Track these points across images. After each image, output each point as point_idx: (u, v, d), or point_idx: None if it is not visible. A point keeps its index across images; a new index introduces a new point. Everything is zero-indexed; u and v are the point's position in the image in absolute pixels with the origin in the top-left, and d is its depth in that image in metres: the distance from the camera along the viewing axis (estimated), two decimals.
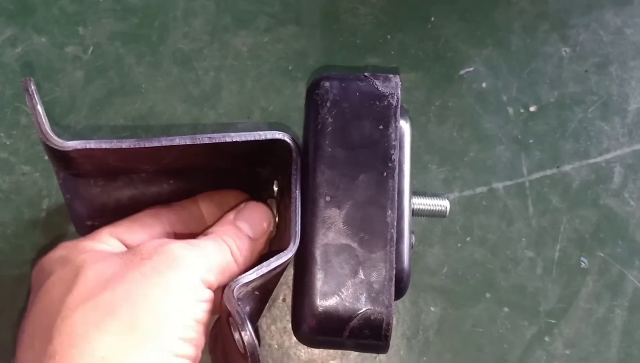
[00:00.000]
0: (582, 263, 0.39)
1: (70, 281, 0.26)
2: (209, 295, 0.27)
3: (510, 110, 0.41)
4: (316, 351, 0.39)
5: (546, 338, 0.38)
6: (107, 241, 0.29)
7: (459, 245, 0.39)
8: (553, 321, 0.39)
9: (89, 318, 0.24)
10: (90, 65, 0.41)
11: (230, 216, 0.31)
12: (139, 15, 0.42)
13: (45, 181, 0.39)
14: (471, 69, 0.42)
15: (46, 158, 0.39)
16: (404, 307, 0.39)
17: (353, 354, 0.39)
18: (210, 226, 0.31)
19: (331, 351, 0.39)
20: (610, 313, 0.39)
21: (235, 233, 0.30)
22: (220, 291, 0.29)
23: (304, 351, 0.39)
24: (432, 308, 0.39)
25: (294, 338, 0.39)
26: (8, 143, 0.40)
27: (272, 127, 0.40)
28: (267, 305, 0.35)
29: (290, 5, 0.42)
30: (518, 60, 0.42)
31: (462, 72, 0.42)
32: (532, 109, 0.41)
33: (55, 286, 0.26)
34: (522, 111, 0.41)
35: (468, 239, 0.39)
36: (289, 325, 0.39)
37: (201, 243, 0.28)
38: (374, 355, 0.39)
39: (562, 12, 0.43)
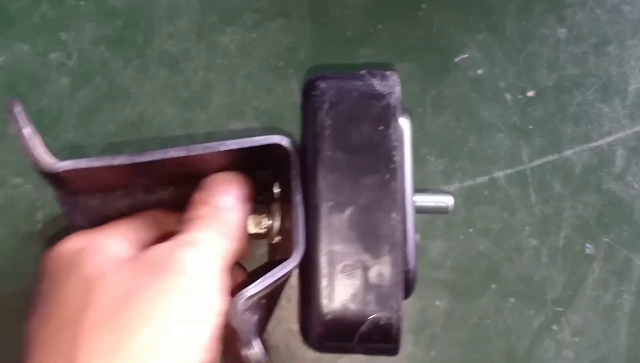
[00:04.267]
0: (588, 249, 0.39)
1: (83, 295, 0.25)
2: (223, 306, 0.26)
3: (508, 96, 0.40)
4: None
5: (554, 327, 0.38)
6: (126, 234, 0.29)
7: (462, 237, 0.39)
8: (560, 309, 0.38)
9: (108, 342, 0.24)
10: (75, 71, 0.40)
11: (200, 195, 0.29)
12: (122, 17, 0.40)
13: (38, 192, 0.38)
14: (466, 56, 0.41)
15: None
16: (410, 302, 0.38)
17: None
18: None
19: None
20: (618, 299, 0.38)
21: (216, 213, 0.28)
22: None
23: (311, 351, 0.39)
24: (437, 302, 0.38)
25: (301, 339, 0.39)
26: None
27: (267, 129, 0.39)
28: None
29: None
30: (514, 44, 0.41)
31: (456, 59, 0.41)
32: (530, 94, 0.40)
33: (69, 298, 0.26)
34: (520, 96, 0.40)
35: (471, 230, 0.39)
36: (295, 326, 0.38)
37: (201, 237, 0.27)
38: None
39: None
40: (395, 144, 0.27)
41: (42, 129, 0.38)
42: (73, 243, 0.28)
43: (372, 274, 0.27)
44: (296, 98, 0.40)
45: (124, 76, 0.40)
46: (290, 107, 0.40)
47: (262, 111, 0.40)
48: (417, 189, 0.33)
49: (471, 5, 0.41)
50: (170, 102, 0.40)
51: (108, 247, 0.28)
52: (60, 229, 0.38)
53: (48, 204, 0.38)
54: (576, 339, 0.38)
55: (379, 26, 0.41)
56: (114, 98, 0.40)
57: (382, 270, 0.27)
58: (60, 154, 0.38)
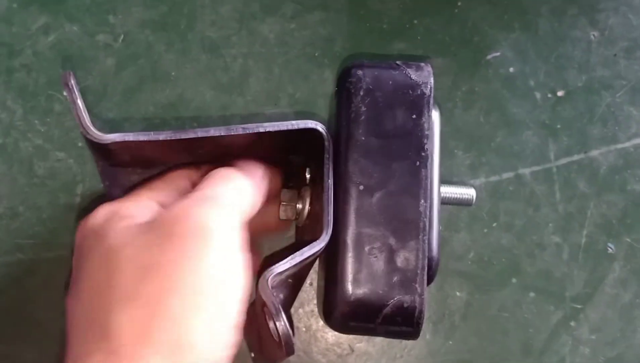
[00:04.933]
0: (609, 248, 0.39)
1: (105, 268, 0.25)
2: (246, 261, 0.26)
3: (538, 95, 0.40)
4: (343, 334, 0.39)
5: (572, 323, 0.38)
6: (147, 204, 0.29)
7: (485, 230, 0.39)
8: (579, 306, 0.38)
9: (138, 316, 0.24)
10: (121, 53, 0.41)
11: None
12: (167, 3, 0.41)
13: (79, 167, 0.39)
14: (498, 53, 0.41)
15: (80, 144, 0.39)
16: (430, 292, 0.38)
17: (379, 337, 0.39)
18: None
19: None
20: (637, 299, 0.38)
21: (236, 174, 0.29)
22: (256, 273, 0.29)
23: (331, 334, 0.39)
24: (458, 293, 0.38)
25: (321, 321, 0.39)
26: (42, 129, 0.40)
27: (300, 115, 0.40)
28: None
29: None
30: (546, 44, 0.41)
31: (489, 56, 0.41)
32: (559, 94, 0.40)
33: (95, 271, 0.26)
34: (549, 95, 0.40)
35: (494, 224, 0.39)
36: (317, 309, 0.39)
37: (222, 193, 0.27)
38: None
39: None
40: (427, 133, 0.28)
41: (86, 106, 0.40)
42: (101, 214, 0.28)
43: (398, 257, 0.28)
44: (330, 87, 0.41)
45: (166, 59, 0.41)
46: (324, 96, 0.40)
47: (297, 99, 0.40)
48: (443, 181, 0.33)
49: (506, 5, 0.41)
50: (209, 86, 0.40)
51: (134, 213, 0.27)
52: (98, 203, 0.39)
53: (88, 179, 0.39)
54: (593, 336, 0.38)
55: (415, 21, 0.41)
56: (156, 80, 0.40)
57: (408, 254, 0.28)
58: (102, 131, 0.39)
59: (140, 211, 0.28)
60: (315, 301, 0.39)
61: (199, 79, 0.40)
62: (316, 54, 0.41)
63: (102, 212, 0.28)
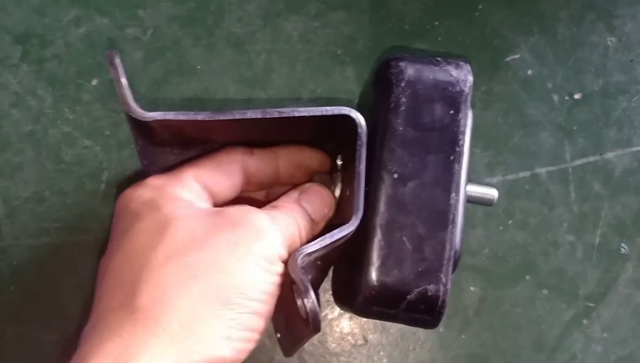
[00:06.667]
0: (622, 249, 0.38)
1: (158, 233, 0.25)
2: (281, 268, 0.27)
3: (555, 97, 0.40)
4: (357, 324, 0.39)
5: (584, 321, 0.38)
6: (191, 185, 0.29)
7: (501, 227, 0.39)
8: (592, 305, 0.38)
9: (174, 277, 0.24)
10: (149, 46, 0.41)
11: (295, 194, 0.30)
12: None
13: (105, 154, 0.39)
14: (517, 56, 0.41)
15: (107, 132, 0.39)
16: None
17: (393, 328, 0.39)
18: (279, 184, 0.31)
19: (371, 325, 0.39)
20: None
21: (301, 212, 0.29)
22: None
23: (346, 323, 0.39)
24: (472, 288, 0.38)
25: (337, 310, 0.39)
26: (71, 117, 0.40)
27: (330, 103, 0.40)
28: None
29: None
30: (564, 48, 0.41)
31: (508, 59, 0.41)
32: (576, 97, 0.40)
33: (143, 234, 0.26)
34: (566, 98, 0.40)
35: (510, 222, 0.39)
36: (332, 298, 0.39)
37: (278, 216, 0.28)
38: (413, 330, 0.39)
39: (609, 2, 0.41)
40: (463, 129, 0.28)
41: (114, 96, 0.40)
42: (150, 186, 0.28)
43: (427, 247, 0.27)
44: (351, 84, 0.41)
45: (193, 53, 0.41)
46: (345, 92, 0.40)
47: (318, 94, 0.40)
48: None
49: (526, 9, 0.41)
50: (234, 80, 0.40)
51: (185, 195, 0.28)
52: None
53: (113, 166, 0.39)
54: (605, 335, 0.37)
55: (436, 22, 0.41)
56: (182, 73, 0.40)
57: (436, 244, 0.27)
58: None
59: (189, 194, 0.28)
60: (330, 292, 0.39)
61: (224, 73, 0.41)
62: (338, 52, 0.41)
63: (151, 184, 0.28)
